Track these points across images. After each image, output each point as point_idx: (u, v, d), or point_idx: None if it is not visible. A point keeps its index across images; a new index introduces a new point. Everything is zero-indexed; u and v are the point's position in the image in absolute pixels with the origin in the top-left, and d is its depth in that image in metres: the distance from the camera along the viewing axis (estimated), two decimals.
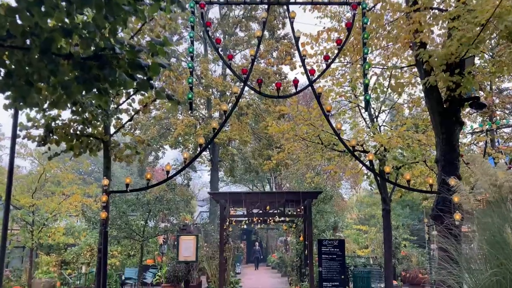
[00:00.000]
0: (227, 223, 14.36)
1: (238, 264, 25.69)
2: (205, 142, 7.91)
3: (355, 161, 15.04)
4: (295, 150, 15.51)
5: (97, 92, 4.90)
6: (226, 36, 25.92)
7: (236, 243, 18.44)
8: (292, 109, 13.28)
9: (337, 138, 14.79)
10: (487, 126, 13.85)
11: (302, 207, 14.45)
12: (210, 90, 23.99)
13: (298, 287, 15.26)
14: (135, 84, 4.82)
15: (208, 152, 27.27)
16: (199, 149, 7.18)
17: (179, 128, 21.42)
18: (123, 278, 15.66)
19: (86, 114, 7.88)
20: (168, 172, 7.10)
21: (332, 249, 14.64)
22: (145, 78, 4.66)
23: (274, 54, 25.27)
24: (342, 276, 14.45)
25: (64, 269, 16.70)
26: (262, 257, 34.55)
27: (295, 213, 14.75)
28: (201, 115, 24.71)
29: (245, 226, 34.32)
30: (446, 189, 7.61)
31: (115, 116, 9.32)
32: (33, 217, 16.54)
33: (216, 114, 25.03)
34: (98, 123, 8.66)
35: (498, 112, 17.43)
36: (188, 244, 13.58)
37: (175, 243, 15.00)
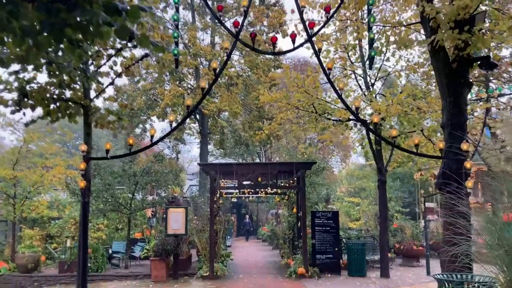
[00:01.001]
0: (218, 196, 13.83)
1: (228, 237, 25.37)
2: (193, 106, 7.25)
3: (349, 131, 14.50)
4: (288, 120, 14.93)
5: (68, 43, 4.23)
6: (215, 2, 24.84)
7: (226, 216, 17.97)
8: (285, 75, 12.60)
9: (331, 106, 14.26)
10: (487, 93, 13.34)
11: (295, 179, 13.95)
12: (198, 59, 23.08)
13: (290, 259, 14.91)
14: (112, 31, 4.13)
15: (197, 124, 26.57)
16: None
17: (167, 98, 20.62)
18: (110, 252, 15.16)
19: (64, 76, 7.19)
20: (152, 136, 6.46)
21: (326, 221, 14.25)
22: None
23: (265, 22, 24.31)
24: (336, 249, 14.11)
25: (49, 243, 16.15)
26: (252, 229, 34.37)
27: (287, 184, 14.26)
28: (189, 85, 23.88)
29: (235, 200, 34.09)
30: (454, 154, 7.12)
31: (96, 80, 8.57)
32: (14, 190, 15.87)
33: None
34: (77, 86, 7.96)
35: (492, 83, 16.92)
36: (177, 216, 13.05)
37: (164, 216, 14.46)
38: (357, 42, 13.21)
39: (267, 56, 23.31)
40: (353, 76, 14.55)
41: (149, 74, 24.48)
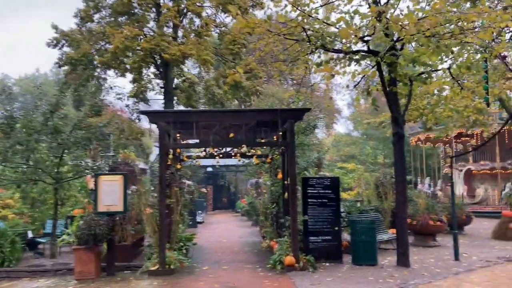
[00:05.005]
0: (172, 156, 9.82)
1: (200, 212, 21.61)
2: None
3: (355, 66, 10.51)
4: (271, 54, 10.92)
5: None
6: None
7: (193, 187, 14.10)
8: None
9: (330, 30, 10.29)
10: None
11: (281, 133, 10.05)
12: None
13: (274, 241, 11.20)
14: None
15: (161, 81, 22.17)
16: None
17: (117, 40, 16.28)
18: (29, 236, 11.18)
19: None
20: None
21: (322, 191, 10.48)
22: None
23: None
24: (336, 228, 10.40)
25: None
26: (230, 201, 31.18)
27: (271, 140, 10.34)
28: (147, 29, 19.41)
29: (210, 169, 30.16)
30: None
31: None
32: None
33: (169, 30, 19.76)
34: None
35: None
36: (112, 187, 9.08)
37: (93, 188, 10.37)
38: None
39: None
40: None
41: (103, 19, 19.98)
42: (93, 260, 8.88)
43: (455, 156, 14.07)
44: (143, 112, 11.72)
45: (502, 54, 9.21)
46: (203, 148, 11.47)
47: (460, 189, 23.42)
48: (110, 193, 9.13)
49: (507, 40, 9.94)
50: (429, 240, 13.15)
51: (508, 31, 9.98)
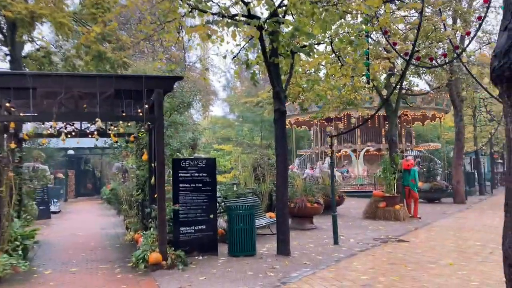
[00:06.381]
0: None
1: (55, 200, 18.76)
2: None
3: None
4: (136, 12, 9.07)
5: None
6: None
7: (39, 172, 11.61)
8: None
9: None
10: None
11: (147, 106, 8.39)
12: None
13: (139, 234, 9.57)
14: None
15: (6, 48, 18.44)
16: None
17: None
18: None
19: None
20: None
21: (196, 174, 9.10)
22: None
23: None
24: (212, 215, 9.14)
25: None
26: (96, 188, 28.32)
27: (134, 114, 8.58)
28: None
29: (72, 152, 26.75)
30: None
31: None
32: None
33: None
34: None
35: None
36: None
37: None
38: None
39: None
40: None
41: None
42: None
43: (336, 135, 13.83)
44: None
45: (384, 29, 8.72)
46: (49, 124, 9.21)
47: (360, 170, 24.13)
48: None
49: (391, 12, 9.61)
50: (306, 222, 12.72)
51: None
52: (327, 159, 24.56)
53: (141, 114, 8.37)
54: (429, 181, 20.49)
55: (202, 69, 29.10)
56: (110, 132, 9.18)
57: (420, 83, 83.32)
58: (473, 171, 26.09)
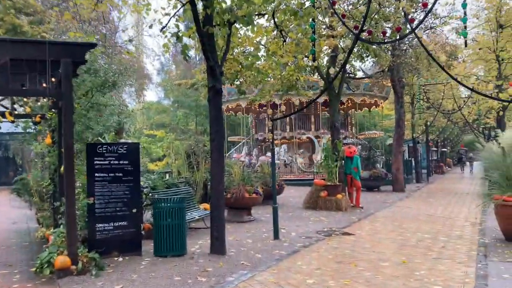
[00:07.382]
0: None
1: None
2: None
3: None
4: None
5: None
6: None
7: None
8: None
9: None
10: None
11: (53, 80, 6.92)
12: None
13: (49, 233, 8.10)
14: None
15: None
16: None
17: None
18: None
19: None
20: None
21: (116, 162, 7.77)
22: None
23: None
24: (135, 210, 7.87)
25: None
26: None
27: (35, 89, 7.02)
28: None
29: None
30: None
31: None
32: None
33: None
34: None
35: None
36: None
37: None
38: None
39: None
40: None
41: None
42: None
43: (277, 119, 12.96)
44: None
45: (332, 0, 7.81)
46: None
47: (319, 157, 23.39)
48: None
49: None
50: (244, 214, 11.78)
51: None
52: (283, 146, 23.81)
53: (44, 87, 6.87)
54: (369, 169, 20.31)
55: (125, 41, 27.06)
56: (8, 111, 7.56)
57: (358, 73, 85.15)
58: (410, 158, 26.51)
